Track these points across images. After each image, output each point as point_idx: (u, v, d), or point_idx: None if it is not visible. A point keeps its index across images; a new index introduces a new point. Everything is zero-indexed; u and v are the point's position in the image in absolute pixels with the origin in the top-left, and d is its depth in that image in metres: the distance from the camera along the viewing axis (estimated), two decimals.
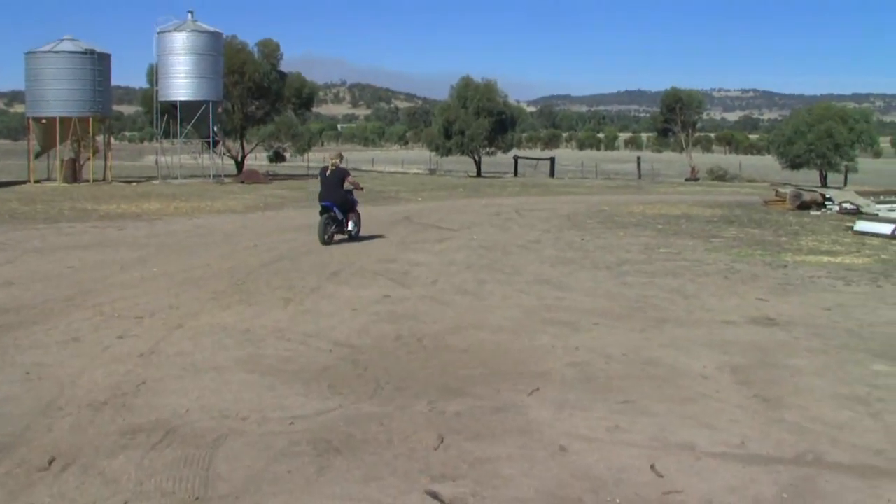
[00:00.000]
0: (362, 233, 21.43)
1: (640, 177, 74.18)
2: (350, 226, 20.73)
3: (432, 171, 78.58)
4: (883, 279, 15.78)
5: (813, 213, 31.00)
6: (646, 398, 8.20)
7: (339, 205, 20.34)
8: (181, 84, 46.99)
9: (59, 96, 44.42)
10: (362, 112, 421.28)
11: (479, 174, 70.32)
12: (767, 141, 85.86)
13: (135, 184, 44.74)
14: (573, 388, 8.50)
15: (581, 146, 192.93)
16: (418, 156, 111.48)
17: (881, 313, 12.67)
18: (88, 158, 46.33)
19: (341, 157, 21.64)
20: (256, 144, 65.53)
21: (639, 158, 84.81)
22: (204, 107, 46.81)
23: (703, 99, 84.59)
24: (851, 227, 24.34)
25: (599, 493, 6.03)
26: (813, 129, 58.87)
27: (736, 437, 7.15)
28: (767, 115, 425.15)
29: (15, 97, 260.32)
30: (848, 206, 30.42)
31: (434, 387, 8.46)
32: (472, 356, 9.75)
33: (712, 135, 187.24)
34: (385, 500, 5.89)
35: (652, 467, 6.49)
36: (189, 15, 48.22)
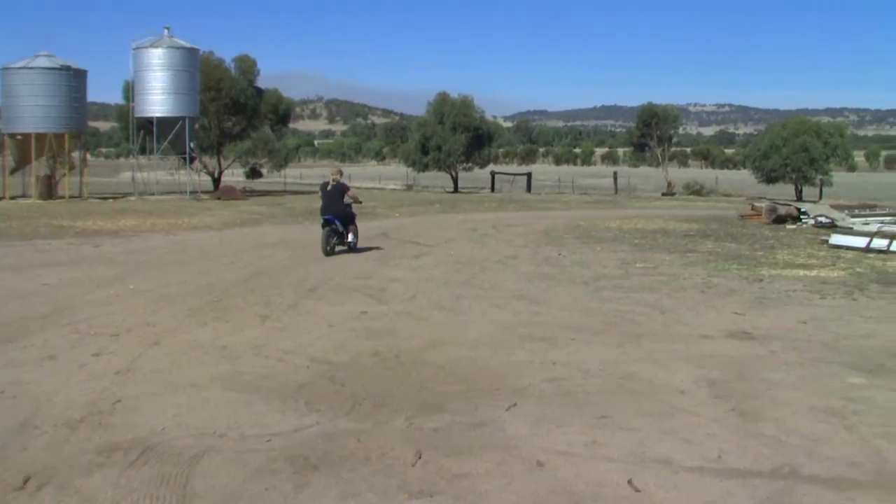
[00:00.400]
0: (360, 245, 22.23)
1: (616, 192, 74.28)
2: (350, 237, 21.72)
3: (409, 187, 78.59)
4: (858, 292, 15.85)
5: (788, 226, 31.13)
6: (623, 413, 8.22)
7: (339, 218, 21.31)
8: (157, 100, 46.92)
9: (34, 112, 44.37)
10: (339, 128, 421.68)
11: (456, 190, 70.37)
12: (743, 155, 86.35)
13: (111, 200, 44.58)
14: (551, 404, 8.50)
15: (558, 161, 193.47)
16: (395, 171, 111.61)
17: (856, 326, 12.73)
18: (64, 175, 46.24)
19: (341, 173, 22.68)
20: (233, 160, 65.43)
21: (615, 173, 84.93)
22: (180, 123, 46.75)
23: (678, 114, 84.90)
24: (826, 241, 24.45)
25: None
26: (788, 144, 59.21)
27: (713, 451, 7.17)
28: (743, 130, 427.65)
29: None
30: (823, 219, 30.56)
31: (412, 403, 8.45)
32: (450, 372, 9.75)
33: (688, 149, 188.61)
34: None
35: (629, 482, 6.49)
36: (165, 31, 48.22)
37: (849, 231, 25.70)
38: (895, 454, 7.18)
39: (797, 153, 58.36)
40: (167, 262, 19.29)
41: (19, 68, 44.74)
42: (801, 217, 32.13)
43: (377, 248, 22.98)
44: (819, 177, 60.27)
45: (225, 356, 10.37)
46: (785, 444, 7.37)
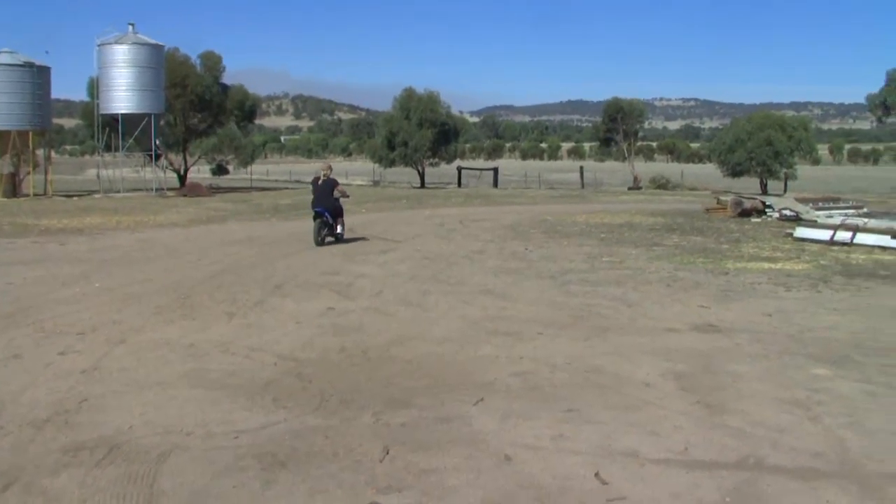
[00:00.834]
0: (346, 236, 23.50)
1: (583, 186, 74.47)
2: (339, 229, 23.08)
3: (376, 183, 78.52)
4: (822, 284, 15.98)
5: (753, 220, 31.28)
6: (590, 406, 8.26)
7: (329, 211, 22.69)
8: (122, 97, 46.61)
9: None
10: (305, 124, 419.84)
11: (422, 185, 70.31)
12: (708, 149, 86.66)
13: (76, 198, 44.25)
14: (518, 398, 8.54)
15: (524, 156, 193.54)
16: (362, 167, 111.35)
17: (821, 318, 12.84)
18: (28, 173, 45.86)
19: (331, 168, 23.86)
20: (199, 157, 65.21)
21: (581, 168, 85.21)
22: (146, 120, 46.46)
23: (644, 108, 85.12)
24: (791, 234, 24.59)
25: (545, 502, 6.08)
26: (753, 138, 59.55)
27: (679, 444, 7.23)
28: (708, 124, 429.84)
29: None
30: (788, 212, 30.73)
31: (379, 398, 8.47)
32: (417, 367, 9.77)
33: (654, 144, 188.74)
34: None
35: (596, 475, 6.54)
36: (130, 27, 47.88)
37: (813, 224, 25.86)
38: (858, 444, 7.27)
39: (762, 147, 58.71)
40: (133, 259, 19.18)
41: None
42: (766, 210, 32.29)
43: (362, 239, 23.79)
44: (784, 170, 60.67)
45: (192, 354, 10.34)
46: (750, 436, 7.44)
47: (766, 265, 18.58)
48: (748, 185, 62.15)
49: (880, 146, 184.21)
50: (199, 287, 15.31)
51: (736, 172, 61.75)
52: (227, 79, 60.34)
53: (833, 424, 7.79)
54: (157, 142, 48.33)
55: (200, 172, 70.52)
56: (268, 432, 7.44)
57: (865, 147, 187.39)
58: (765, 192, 56.32)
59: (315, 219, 22.70)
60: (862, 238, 22.70)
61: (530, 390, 8.84)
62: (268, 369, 9.63)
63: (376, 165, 77.34)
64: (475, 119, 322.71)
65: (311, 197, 23.24)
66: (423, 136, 67.46)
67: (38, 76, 45.20)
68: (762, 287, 15.72)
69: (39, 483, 6.31)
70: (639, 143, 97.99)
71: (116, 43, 46.86)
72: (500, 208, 39.79)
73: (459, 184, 74.27)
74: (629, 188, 69.31)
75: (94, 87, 48.94)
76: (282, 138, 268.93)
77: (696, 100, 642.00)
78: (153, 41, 48.24)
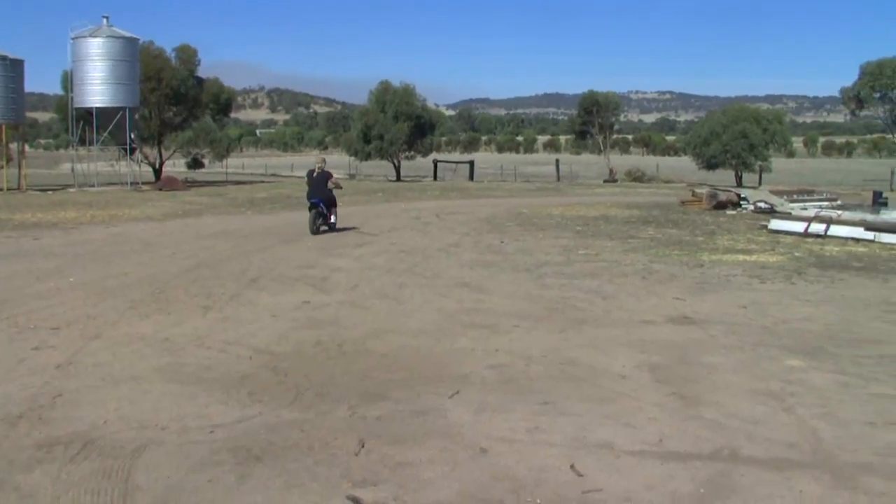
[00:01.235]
0: (339, 225, 24.62)
1: (558, 179, 74.49)
2: (332, 219, 24.31)
3: (352, 176, 78.27)
4: (796, 276, 16.08)
5: (729, 212, 31.44)
6: (565, 398, 8.28)
7: (324, 201, 23.93)
8: (97, 90, 46.36)
9: None
10: (281, 117, 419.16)
11: (398, 178, 70.21)
12: (684, 142, 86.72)
13: (50, 192, 44.04)
14: (493, 391, 8.55)
15: (500, 149, 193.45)
16: (338, 161, 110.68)
17: (795, 310, 12.92)
18: (2, 167, 45.57)
19: (325, 162, 25.21)
20: (174, 151, 64.91)
21: (557, 161, 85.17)
22: (120, 113, 46.25)
23: (619, 101, 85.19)
24: (766, 226, 24.75)
25: (520, 494, 6.09)
26: (728, 130, 59.62)
27: (654, 435, 7.26)
28: (684, 117, 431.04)
29: None
30: (762, 205, 30.88)
31: (354, 392, 8.46)
32: (393, 360, 9.77)
33: (630, 136, 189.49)
34: None
35: (572, 467, 6.55)
36: (104, 20, 47.59)
37: (787, 216, 26.02)
38: (831, 434, 7.32)
39: (737, 140, 58.79)
40: (108, 254, 19.10)
41: None
42: (741, 203, 32.45)
43: (353, 229, 24.93)
44: (758, 163, 60.77)
45: (167, 348, 10.31)
46: (725, 427, 7.48)
47: (741, 257, 18.67)
48: (723, 177, 62.28)
49: (854, 139, 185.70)
50: (174, 281, 15.27)
51: (711, 165, 61.84)
52: (203, 72, 60.16)
53: (807, 415, 7.83)
54: (132, 135, 48.12)
55: (176, 166, 70.12)
56: (243, 426, 7.43)
57: (839, 140, 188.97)
58: (740, 184, 56.47)
59: (311, 209, 23.79)
60: (836, 230, 22.87)
61: (506, 383, 8.86)
62: (243, 363, 9.61)
63: (352, 159, 77.10)
64: (451, 112, 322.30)
65: (305, 189, 24.20)
66: (399, 129, 67.33)
67: (11, 69, 44.86)
68: (737, 279, 15.79)
69: (13, 479, 6.27)
70: (614, 136, 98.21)
71: (91, 36, 46.60)
72: (476, 201, 39.82)
73: (435, 177, 74.19)
74: (605, 181, 69.45)
75: (69, 81, 48.60)
76: (257, 132, 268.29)
77: (671, 93, 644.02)
78: (128, 34, 47.99)
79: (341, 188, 25.78)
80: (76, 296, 13.74)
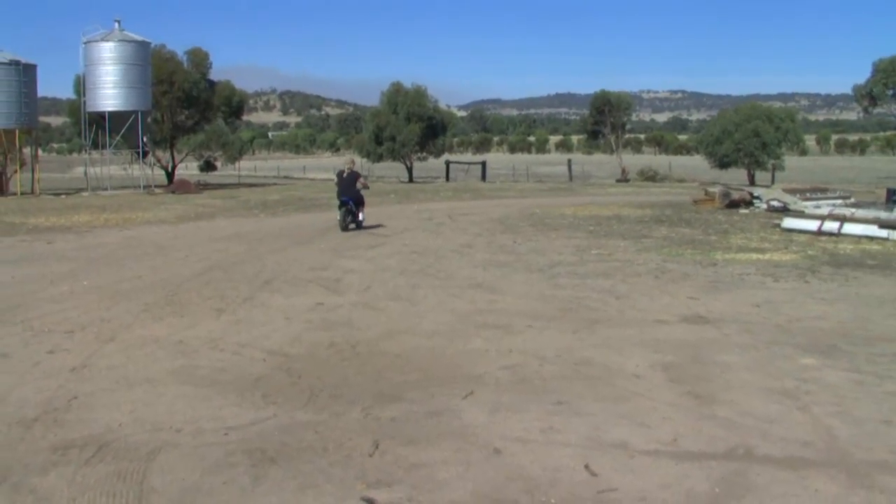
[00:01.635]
0: (368, 222, 25.94)
1: (571, 179, 74.38)
2: (360, 217, 25.48)
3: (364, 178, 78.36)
4: (810, 275, 16.04)
5: (741, 211, 31.35)
6: (579, 398, 8.27)
7: (353, 200, 25.10)
8: (109, 94, 46.53)
9: None
10: (293, 119, 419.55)
11: (410, 180, 70.21)
12: (696, 141, 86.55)
13: (64, 196, 44.18)
14: (507, 391, 8.54)
15: (512, 150, 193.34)
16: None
17: (809, 308, 12.88)
18: (15, 171, 45.78)
19: (353, 162, 27.64)
20: (187, 154, 65.13)
21: (569, 161, 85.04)
22: (133, 117, 46.40)
23: (631, 101, 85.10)
24: (779, 225, 24.67)
25: (535, 494, 6.08)
26: (740, 129, 59.51)
27: (668, 435, 7.24)
28: (696, 116, 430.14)
29: None
30: (775, 203, 30.77)
31: (368, 393, 8.47)
32: (406, 361, 9.77)
33: (642, 136, 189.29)
34: None
35: (586, 467, 6.55)
36: (116, 24, 47.75)
37: (801, 215, 25.93)
38: (846, 433, 7.29)
39: (749, 138, 58.68)
40: (121, 257, 19.14)
41: None
42: (754, 201, 32.34)
43: (381, 226, 26.48)
44: (771, 161, 60.64)
45: (181, 351, 10.33)
46: (739, 426, 7.46)
47: (754, 256, 18.62)
48: (736, 176, 62.14)
49: (867, 136, 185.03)
50: (187, 284, 15.29)
51: (723, 164, 61.72)
52: (214, 75, 60.33)
53: (821, 414, 7.81)
54: (145, 139, 48.27)
55: (188, 169, 70.24)
56: (257, 428, 7.44)
57: (852, 137, 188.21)
58: (752, 183, 56.33)
59: (340, 207, 25.06)
60: (849, 228, 22.79)
61: (520, 383, 8.85)
62: (257, 365, 9.62)
63: (364, 160, 77.19)
64: (463, 113, 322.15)
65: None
66: (411, 130, 67.33)
67: (24, 74, 45.07)
68: (750, 278, 15.76)
69: (28, 482, 6.29)
70: (626, 136, 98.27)
71: (103, 40, 46.75)
72: (489, 202, 39.81)
73: (448, 178, 74.14)
74: (617, 180, 69.32)
75: (81, 85, 48.80)
76: (269, 134, 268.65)
77: (683, 92, 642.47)
78: (139, 38, 48.16)
79: (368, 188, 26.88)
80: (90, 299, 13.77)
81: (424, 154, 71.71)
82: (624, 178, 70.31)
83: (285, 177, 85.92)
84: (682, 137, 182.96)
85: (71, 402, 8.17)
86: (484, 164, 78.49)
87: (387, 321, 12.03)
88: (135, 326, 11.71)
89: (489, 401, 8.19)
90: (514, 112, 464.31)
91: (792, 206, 29.55)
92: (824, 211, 25.63)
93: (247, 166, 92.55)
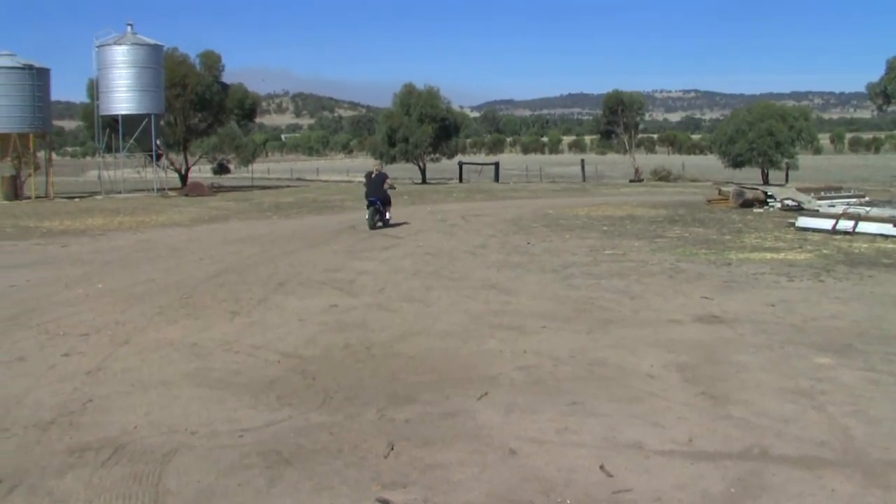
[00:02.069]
0: (392, 221, 26.98)
1: (584, 179, 74.33)
2: (387, 216, 26.70)
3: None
4: (825, 274, 15.99)
5: (755, 210, 31.29)
6: (594, 399, 8.27)
7: (380, 200, 26.21)
8: (122, 98, 46.53)
9: None
10: (306, 122, 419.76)
11: (424, 181, 70.31)
12: (709, 141, 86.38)
13: (77, 199, 44.27)
14: (522, 392, 8.54)
15: (525, 150, 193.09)
16: (363, 164, 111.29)
17: (824, 307, 12.85)
18: (30, 175, 45.85)
19: (382, 164, 29.81)
20: (200, 157, 65.21)
21: (583, 161, 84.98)
22: (146, 120, 46.41)
23: (644, 100, 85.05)
24: (793, 224, 24.63)
25: (550, 495, 6.08)
26: (754, 128, 59.44)
27: (683, 435, 7.23)
28: (709, 115, 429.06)
29: None
30: (789, 202, 30.71)
31: (383, 394, 8.47)
32: (421, 363, 9.78)
33: (655, 136, 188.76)
34: None
35: (601, 467, 6.54)
36: (128, 27, 47.77)
37: (815, 214, 25.89)
38: (862, 432, 7.28)
39: (763, 137, 58.61)
40: (135, 260, 19.19)
41: None
42: (768, 201, 32.27)
43: (406, 224, 27.66)
44: (785, 160, 60.55)
45: (195, 353, 10.35)
46: (754, 426, 7.45)
47: (768, 255, 18.59)
48: (750, 175, 62.06)
49: (881, 135, 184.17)
50: (201, 286, 15.32)
51: (737, 163, 61.65)
52: (230, 78, 60.49)
53: (837, 413, 7.79)
54: (158, 142, 48.29)
55: (202, 172, 70.38)
56: (272, 430, 7.45)
57: (866, 136, 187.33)
58: (766, 182, 56.23)
59: (368, 207, 26.13)
60: (864, 227, 22.73)
61: (534, 384, 8.85)
62: (272, 367, 9.64)
63: (375, 162, 77.24)
64: (475, 114, 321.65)
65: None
66: (424, 131, 67.46)
67: (37, 78, 45.15)
68: (765, 277, 15.72)
69: (45, 484, 6.31)
70: (639, 136, 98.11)
71: (115, 44, 46.80)
72: (502, 203, 39.79)
73: (461, 179, 74.21)
74: (630, 180, 69.27)
75: (94, 89, 48.83)
76: (282, 136, 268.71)
77: (696, 91, 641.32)
78: (152, 41, 48.19)
79: (395, 188, 28.32)
80: (105, 302, 13.81)
81: (437, 155, 71.90)
82: (637, 178, 70.26)
83: (298, 179, 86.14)
84: (696, 137, 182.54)
85: (86, 405, 8.20)
86: (497, 164, 78.54)
87: (401, 322, 12.04)
88: (149, 329, 11.74)
89: (504, 402, 8.19)
90: (527, 112, 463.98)
91: (806, 205, 29.51)
92: (839, 210, 25.60)
93: (260, 169, 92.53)
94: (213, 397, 8.45)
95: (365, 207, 26.45)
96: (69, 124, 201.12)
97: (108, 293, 14.70)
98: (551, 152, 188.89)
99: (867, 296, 13.86)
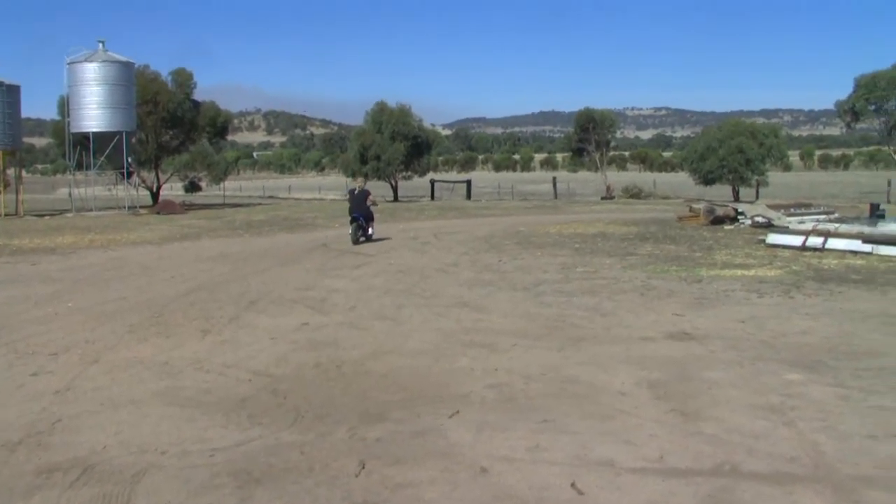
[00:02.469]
0: (375, 237, 27.94)
1: (556, 197, 74.59)
2: (370, 231, 27.59)
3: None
4: (794, 290, 16.07)
5: (726, 227, 31.41)
6: (565, 416, 8.27)
7: (364, 216, 27.10)
8: (93, 115, 46.45)
9: None
10: (278, 139, 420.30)
11: (395, 198, 70.33)
12: (680, 158, 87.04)
13: (48, 217, 44.08)
14: (493, 410, 8.54)
15: (497, 168, 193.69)
16: (335, 182, 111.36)
17: (794, 324, 12.90)
18: None
19: (364, 182, 30.48)
20: (171, 174, 65.00)
21: (554, 179, 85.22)
22: (117, 137, 46.35)
23: (615, 118, 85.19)
24: (763, 240, 24.73)
25: None
26: (724, 145, 59.86)
27: (655, 452, 7.24)
28: (680, 133, 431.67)
29: None
30: (760, 219, 30.85)
31: (354, 413, 8.45)
32: (392, 381, 9.76)
33: (626, 153, 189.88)
34: None
35: (573, 485, 6.54)
36: (100, 45, 47.74)
37: (785, 230, 26.02)
38: (833, 448, 7.30)
39: (733, 154, 59.02)
40: (106, 278, 19.10)
41: None
42: (739, 217, 32.42)
43: (388, 239, 28.56)
44: (755, 177, 60.99)
45: (166, 372, 10.30)
46: (725, 442, 7.46)
47: (739, 272, 18.65)
48: (720, 192, 62.35)
49: (850, 151, 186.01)
50: (172, 304, 15.26)
51: (708, 180, 62.04)
52: (201, 95, 60.38)
53: (807, 429, 7.82)
54: (129, 159, 48.19)
55: (173, 189, 70.14)
56: (243, 449, 7.42)
57: (835, 153, 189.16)
58: (737, 199, 56.62)
59: (352, 223, 27.05)
60: (833, 243, 22.86)
61: (505, 402, 8.84)
62: (243, 386, 9.60)
63: (349, 180, 77.28)
64: (448, 132, 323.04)
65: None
66: (396, 149, 67.49)
67: (7, 95, 45.02)
68: (735, 294, 15.78)
69: None
70: (611, 153, 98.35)
71: (86, 61, 46.71)
72: (474, 220, 39.84)
73: (433, 196, 74.32)
74: (602, 198, 69.52)
75: (65, 106, 48.74)
76: (254, 154, 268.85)
77: (667, 109, 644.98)
78: (123, 58, 48.12)
79: (377, 205, 29.52)
80: (74, 321, 13.73)
81: (409, 173, 71.94)
82: (609, 196, 70.51)
83: (270, 197, 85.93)
84: (667, 154, 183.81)
85: (55, 425, 8.14)
86: (469, 182, 78.75)
87: (372, 341, 12.02)
88: (119, 348, 11.68)
89: (475, 420, 8.18)
90: (499, 130, 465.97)
91: (776, 222, 29.66)
92: (808, 226, 25.72)
93: (232, 186, 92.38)
94: (183, 416, 8.41)
95: (349, 223, 27.21)
96: (40, 141, 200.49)
97: (79, 311, 14.62)
98: (523, 170, 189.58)
99: (837, 312, 13.93)
